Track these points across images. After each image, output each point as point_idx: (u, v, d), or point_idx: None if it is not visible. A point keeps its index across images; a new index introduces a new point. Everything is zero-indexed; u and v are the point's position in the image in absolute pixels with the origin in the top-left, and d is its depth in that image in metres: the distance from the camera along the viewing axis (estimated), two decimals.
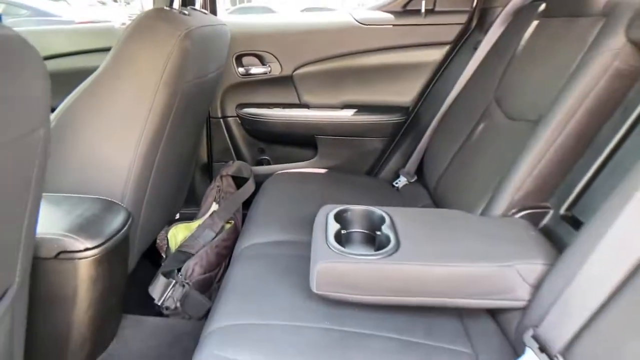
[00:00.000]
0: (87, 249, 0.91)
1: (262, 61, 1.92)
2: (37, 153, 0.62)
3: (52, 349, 0.99)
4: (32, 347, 0.85)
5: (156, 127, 1.16)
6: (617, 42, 1.00)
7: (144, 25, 1.12)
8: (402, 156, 1.92)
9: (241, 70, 1.92)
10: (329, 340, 0.88)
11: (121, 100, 1.12)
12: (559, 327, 0.76)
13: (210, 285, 1.44)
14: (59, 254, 0.90)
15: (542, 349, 0.77)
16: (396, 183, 1.77)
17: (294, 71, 1.91)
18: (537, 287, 0.86)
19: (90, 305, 0.96)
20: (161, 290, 1.25)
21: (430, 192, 1.58)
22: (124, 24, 1.89)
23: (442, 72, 1.85)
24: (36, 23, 5.60)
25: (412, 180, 1.75)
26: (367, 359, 0.84)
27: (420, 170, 1.77)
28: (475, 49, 1.67)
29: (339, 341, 0.88)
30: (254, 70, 1.91)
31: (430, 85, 1.87)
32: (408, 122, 1.91)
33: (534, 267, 0.88)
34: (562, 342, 0.74)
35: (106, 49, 1.80)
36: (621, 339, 0.67)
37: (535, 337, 0.79)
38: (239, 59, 1.91)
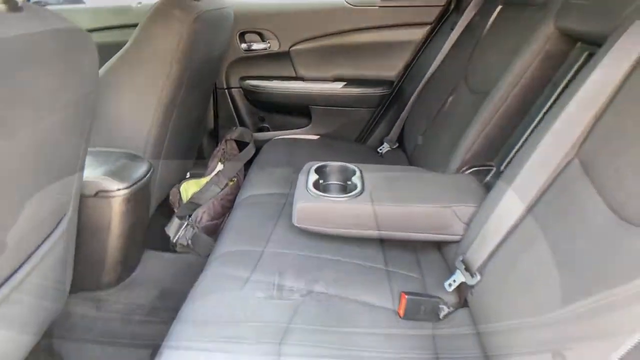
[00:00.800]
0: (119, 189, 1.15)
1: (263, 38, 2.10)
2: (90, 110, 0.86)
3: (92, 269, 1.24)
4: (78, 267, 1.10)
5: (171, 96, 1.37)
6: (548, 28, 1.21)
7: (160, 11, 1.33)
8: (386, 125, 2.12)
9: (244, 46, 2.11)
10: (306, 263, 1.12)
11: (142, 74, 1.34)
12: (479, 251, 0.99)
13: (216, 231, 1.68)
14: (97, 192, 1.14)
15: (467, 269, 1.00)
16: (380, 149, 1.97)
17: (290, 47, 2.10)
18: (468, 224, 1.09)
19: (121, 235, 1.21)
20: (175, 229, 1.51)
21: (408, 156, 1.78)
22: (140, 2, 2.08)
23: (423, 49, 2.03)
24: None
25: (394, 147, 1.96)
26: (335, 276, 1.08)
27: (401, 138, 1.97)
28: (452, 29, 1.84)
29: (314, 264, 1.12)
30: (255, 46, 2.10)
31: (413, 62, 2.05)
32: (392, 94, 2.10)
33: (467, 209, 1.10)
34: (480, 262, 0.98)
35: (124, 26, 2.00)
36: (518, 254, 0.89)
37: (463, 261, 1.02)
38: (242, 36, 2.10)
